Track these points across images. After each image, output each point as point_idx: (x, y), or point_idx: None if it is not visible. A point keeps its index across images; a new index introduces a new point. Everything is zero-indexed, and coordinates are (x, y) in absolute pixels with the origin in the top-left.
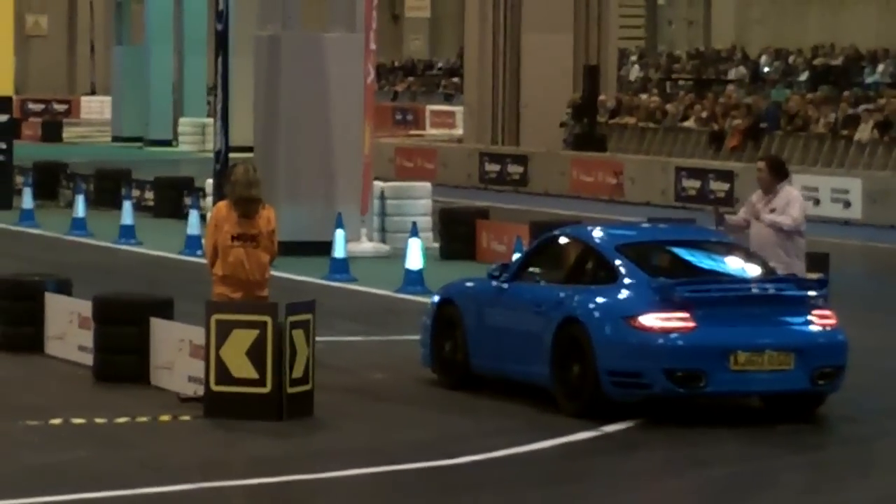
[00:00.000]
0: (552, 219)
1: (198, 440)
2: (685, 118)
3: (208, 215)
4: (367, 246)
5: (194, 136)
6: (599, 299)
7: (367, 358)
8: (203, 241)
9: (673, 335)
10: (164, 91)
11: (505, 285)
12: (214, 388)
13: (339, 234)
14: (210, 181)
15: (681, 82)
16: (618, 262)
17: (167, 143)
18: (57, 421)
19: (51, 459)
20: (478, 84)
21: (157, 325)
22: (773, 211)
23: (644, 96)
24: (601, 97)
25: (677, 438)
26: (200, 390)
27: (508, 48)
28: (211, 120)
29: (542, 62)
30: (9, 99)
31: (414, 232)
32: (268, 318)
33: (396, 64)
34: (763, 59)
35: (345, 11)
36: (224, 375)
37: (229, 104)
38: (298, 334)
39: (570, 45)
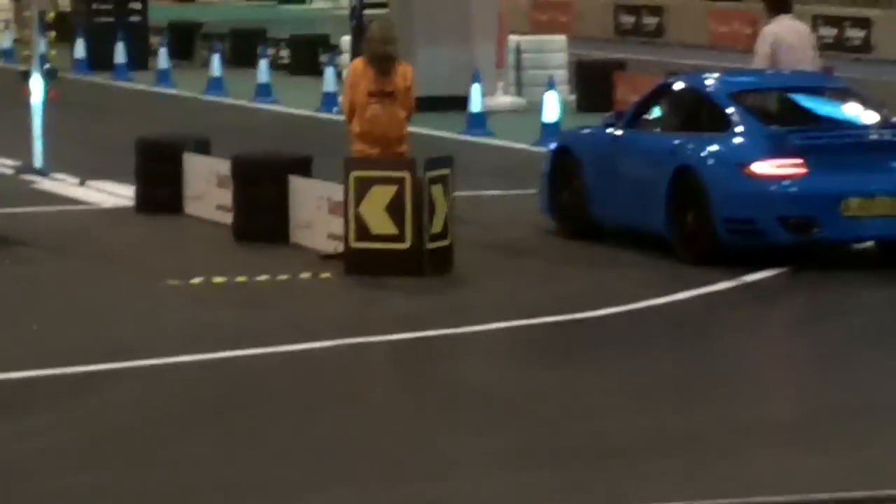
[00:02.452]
0: (689, 70)
1: (338, 297)
2: None
3: (344, 72)
4: (503, 100)
5: None
6: (713, 147)
7: (506, 212)
8: (340, 98)
9: (785, 182)
10: None
11: (619, 133)
12: (354, 244)
13: (476, 89)
14: (345, 38)
15: None
16: (731, 109)
17: (301, 1)
18: (197, 280)
19: (193, 319)
20: None
21: (296, 183)
22: None
23: None
24: None
25: (819, 287)
26: (340, 247)
27: None
28: None
29: None
30: None
31: (550, 85)
32: (406, 174)
33: None
34: None
35: None
36: (363, 232)
37: None
38: (437, 189)
39: None
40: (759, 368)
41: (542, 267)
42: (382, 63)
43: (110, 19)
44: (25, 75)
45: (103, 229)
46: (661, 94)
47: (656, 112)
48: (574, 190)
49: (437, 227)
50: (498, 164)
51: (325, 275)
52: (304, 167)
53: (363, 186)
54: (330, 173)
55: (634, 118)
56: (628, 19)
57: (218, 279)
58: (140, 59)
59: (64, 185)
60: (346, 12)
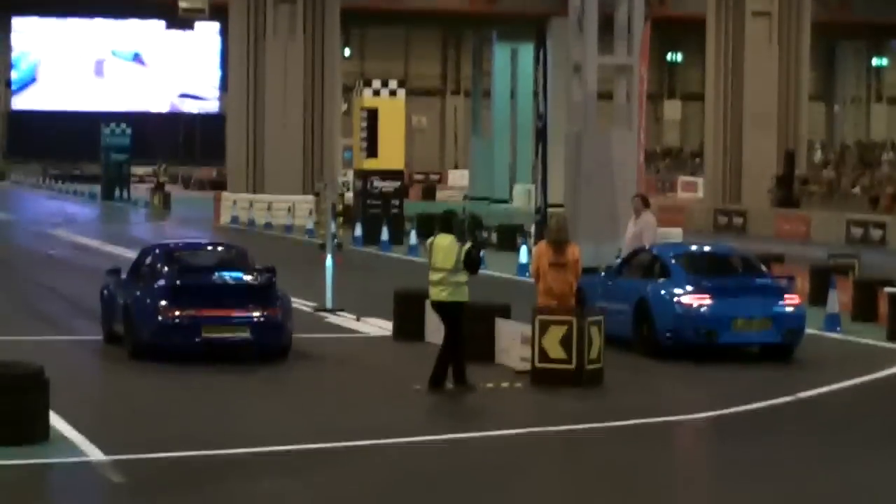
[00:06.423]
0: (763, 254)
1: (526, 399)
2: (853, 186)
3: (533, 250)
4: None
5: (523, 197)
6: (660, 287)
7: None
8: (530, 267)
9: (699, 307)
10: (504, 166)
11: (609, 280)
12: (538, 365)
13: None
14: (533, 227)
15: (850, 163)
16: (671, 264)
17: (505, 202)
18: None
19: (429, 409)
20: (713, 162)
21: (500, 323)
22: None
23: (825, 171)
24: (796, 172)
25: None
26: (528, 367)
27: (731, 140)
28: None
29: (756, 149)
30: (401, 172)
31: None
32: (573, 319)
33: (658, 150)
34: None
35: (625, 116)
36: (544, 357)
37: (547, 175)
38: (594, 329)
39: (775, 137)
40: None
41: (668, 379)
42: (558, 245)
43: (378, 211)
44: (321, 247)
45: (370, 350)
46: (634, 256)
47: (630, 266)
48: None
49: (593, 354)
50: None
51: (519, 384)
52: (505, 312)
53: (544, 326)
54: (522, 317)
55: (619, 270)
56: (723, 219)
57: (448, 386)
58: (397, 237)
59: (346, 319)
60: (535, 209)
